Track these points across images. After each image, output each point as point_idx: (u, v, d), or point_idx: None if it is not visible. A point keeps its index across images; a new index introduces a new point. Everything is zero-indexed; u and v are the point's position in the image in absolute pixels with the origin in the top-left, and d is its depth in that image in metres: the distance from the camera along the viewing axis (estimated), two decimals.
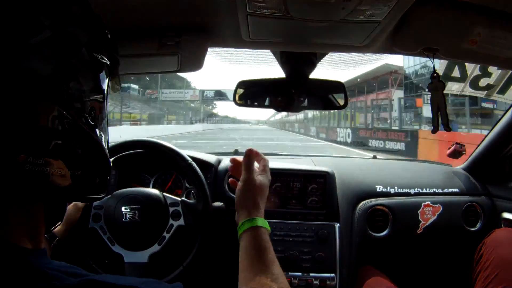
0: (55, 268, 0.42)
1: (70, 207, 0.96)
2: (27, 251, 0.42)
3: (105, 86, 0.50)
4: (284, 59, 0.97)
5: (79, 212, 0.97)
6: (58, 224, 0.67)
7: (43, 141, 0.40)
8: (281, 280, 0.64)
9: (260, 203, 0.77)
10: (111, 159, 1.16)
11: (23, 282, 0.39)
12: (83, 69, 0.44)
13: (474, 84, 1.24)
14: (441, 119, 0.78)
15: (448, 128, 0.78)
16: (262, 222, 0.74)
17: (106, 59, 0.49)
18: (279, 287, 0.62)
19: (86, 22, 0.46)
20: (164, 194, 1.01)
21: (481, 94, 1.26)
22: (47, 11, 0.40)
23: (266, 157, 0.84)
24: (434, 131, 0.80)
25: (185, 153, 1.06)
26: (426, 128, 11.47)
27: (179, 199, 1.01)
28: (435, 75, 0.82)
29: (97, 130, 0.47)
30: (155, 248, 0.96)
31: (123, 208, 0.96)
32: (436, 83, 0.80)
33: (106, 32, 0.50)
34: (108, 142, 0.51)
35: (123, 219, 0.95)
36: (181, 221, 0.98)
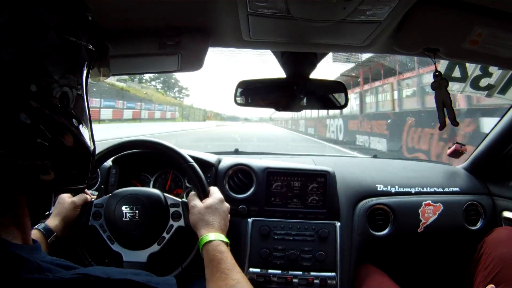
0: (48, 261, 0.42)
1: (67, 204, 0.96)
2: (17, 246, 0.41)
3: (83, 72, 0.47)
4: (284, 59, 0.97)
5: (77, 209, 0.97)
6: (46, 213, 0.70)
7: (9, 133, 0.38)
8: (242, 284, 0.72)
9: (210, 219, 0.90)
10: (112, 159, 1.17)
11: (12, 273, 0.38)
12: (51, 54, 0.41)
13: (474, 84, 1.24)
14: (448, 115, 0.78)
15: (455, 123, 0.79)
16: (213, 236, 0.84)
17: (84, 43, 0.46)
18: None
19: (58, 3, 0.43)
20: (165, 194, 1.01)
21: (481, 94, 1.26)
22: None
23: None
24: (441, 128, 0.80)
25: (186, 152, 1.06)
26: None
27: (180, 200, 1.01)
28: (437, 73, 0.82)
29: (73, 119, 0.44)
30: (155, 248, 0.96)
31: (123, 207, 0.96)
32: (439, 81, 0.81)
33: (86, 14, 0.47)
34: (91, 130, 0.49)
35: (123, 218, 0.95)
36: (181, 222, 0.98)
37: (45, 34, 0.41)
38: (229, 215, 0.98)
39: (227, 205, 0.99)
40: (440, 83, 0.80)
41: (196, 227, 0.90)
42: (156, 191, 1.01)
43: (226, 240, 0.86)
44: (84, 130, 0.46)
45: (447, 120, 0.79)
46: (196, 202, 0.95)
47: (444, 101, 0.78)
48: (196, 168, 1.01)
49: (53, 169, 0.41)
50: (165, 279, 0.49)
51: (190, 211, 0.94)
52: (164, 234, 0.97)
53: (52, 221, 0.93)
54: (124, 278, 0.44)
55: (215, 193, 1.00)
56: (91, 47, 0.47)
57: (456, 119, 0.78)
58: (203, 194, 0.99)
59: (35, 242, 0.46)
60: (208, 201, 0.95)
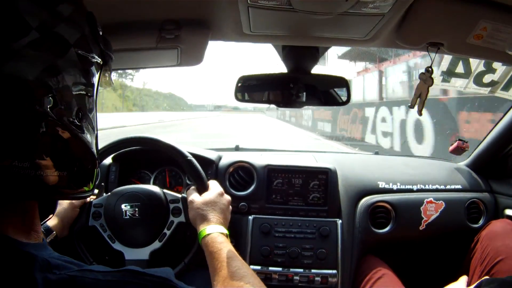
0: (56, 257, 0.43)
1: (66, 205, 0.95)
2: (25, 244, 0.43)
3: (95, 82, 0.49)
4: (285, 54, 0.96)
5: (76, 209, 0.97)
6: (50, 217, 0.79)
7: (29, 145, 0.39)
8: (243, 270, 0.72)
9: (209, 214, 0.89)
10: (111, 156, 1.17)
11: (20, 271, 0.39)
12: (70, 69, 0.43)
13: (478, 80, 1.23)
14: (418, 104, 0.88)
15: (420, 113, 0.90)
16: (210, 229, 0.84)
17: (96, 57, 0.48)
18: (238, 278, 0.70)
19: (77, 21, 0.45)
20: (164, 190, 1.00)
21: (485, 90, 1.25)
22: (35, 12, 0.40)
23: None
24: (410, 107, 0.90)
25: (185, 149, 1.05)
26: None
27: (180, 195, 1.00)
28: (430, 69, 0.85)
29: (85, 130, 0.46)
30: (156, 245, 0.96)
31: (123, 206, 0.95)
32: (428, 77, 0.86)
33: (98, 29, 0.49)
34: (97, 137, 0.51)
35: (123, 217, 0.95)
36: (181, 218, 0.98)
37: (66, 51, 0.43)
38: (230, 207, 0.97)
39: (227, 197, 0.97)
40: (427, 78, 0.87)
41: (195, 222, 0.89)
42: (155, 188, 1.00)
43: (225, 231, 0.85)
44: (93, 141, 0.49)
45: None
46: (194, 197, 0.94)
47: (421, 93, 0.87)
48: (193, 162, 1.00)
49: (67, 179, 0.44)
50: (162, 269, 0.50)
51: (189, 206, 0.93)
52: (165, 231, 0.97)
53: (51, 221, 0.92)
54: (124, 268, 0.46)
55: (214, 186, 0.98)
56: (99, 60, 0.50)
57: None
58: (202, 188, 0.98)
59: (42, 240, 0.48)
60: (207, 195, 0.94)
